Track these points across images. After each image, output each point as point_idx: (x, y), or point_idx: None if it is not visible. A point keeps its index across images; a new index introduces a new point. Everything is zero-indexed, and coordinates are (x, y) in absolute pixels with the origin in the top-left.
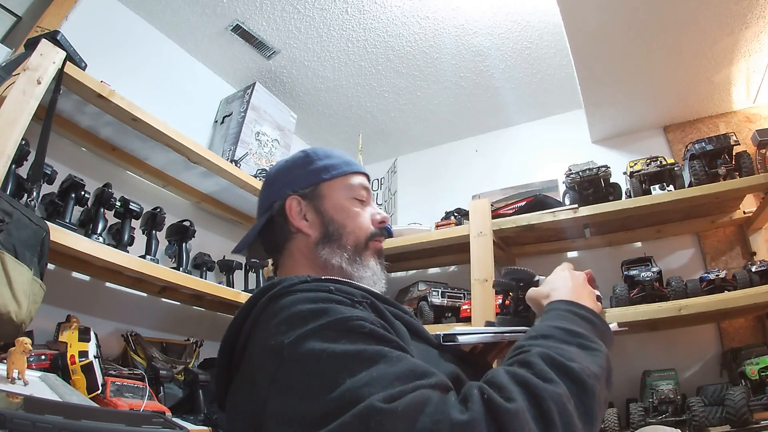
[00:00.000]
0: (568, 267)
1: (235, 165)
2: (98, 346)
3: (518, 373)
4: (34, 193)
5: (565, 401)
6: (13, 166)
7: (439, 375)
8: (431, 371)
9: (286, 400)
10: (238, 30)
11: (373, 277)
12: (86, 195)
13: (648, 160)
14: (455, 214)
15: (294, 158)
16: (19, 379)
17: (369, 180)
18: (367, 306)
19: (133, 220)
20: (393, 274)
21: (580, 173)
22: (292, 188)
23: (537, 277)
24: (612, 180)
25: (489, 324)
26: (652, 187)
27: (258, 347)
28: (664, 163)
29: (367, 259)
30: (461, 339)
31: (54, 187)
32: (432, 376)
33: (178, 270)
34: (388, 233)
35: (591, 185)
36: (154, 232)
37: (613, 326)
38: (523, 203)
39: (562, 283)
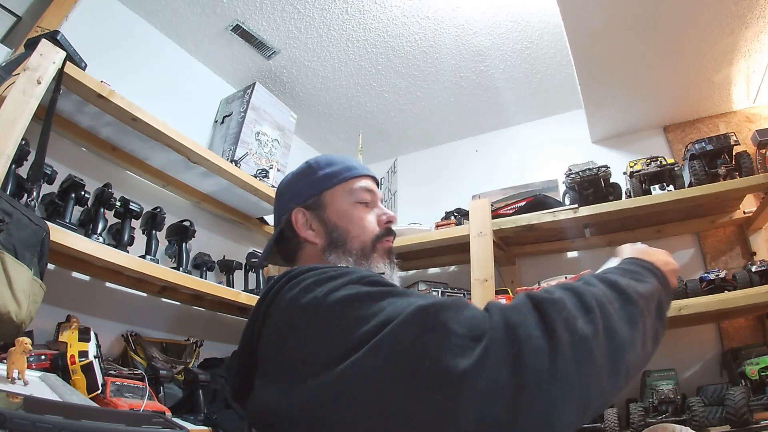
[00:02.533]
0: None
1: (235, 165)
2: (98, 346)
3: (566, 283)
4: (34, 193)
5: (605, 301)
6: (13, 166)
7: None
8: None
9: (329, 344)
10: (238, 30)
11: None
12: (86, 195)
13: (648, 160)
14: (455, 214)
15: (298, 170)
16: (19, 379)
17: (377, 181)
18: None
19: (133, 220)
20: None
21: (580, 173)
22: (296, 201)
23: None
24: (612, 180)
25: None
26: (652, 187)
27: (283, 314)
28: (664, 163)
29: (376, 261)
30: None
31: (54, 187)
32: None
33: (178, 270)
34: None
35: (591, 185)
36: (154, 232)
37: None
38: (523, 203)
39: (634, 248)
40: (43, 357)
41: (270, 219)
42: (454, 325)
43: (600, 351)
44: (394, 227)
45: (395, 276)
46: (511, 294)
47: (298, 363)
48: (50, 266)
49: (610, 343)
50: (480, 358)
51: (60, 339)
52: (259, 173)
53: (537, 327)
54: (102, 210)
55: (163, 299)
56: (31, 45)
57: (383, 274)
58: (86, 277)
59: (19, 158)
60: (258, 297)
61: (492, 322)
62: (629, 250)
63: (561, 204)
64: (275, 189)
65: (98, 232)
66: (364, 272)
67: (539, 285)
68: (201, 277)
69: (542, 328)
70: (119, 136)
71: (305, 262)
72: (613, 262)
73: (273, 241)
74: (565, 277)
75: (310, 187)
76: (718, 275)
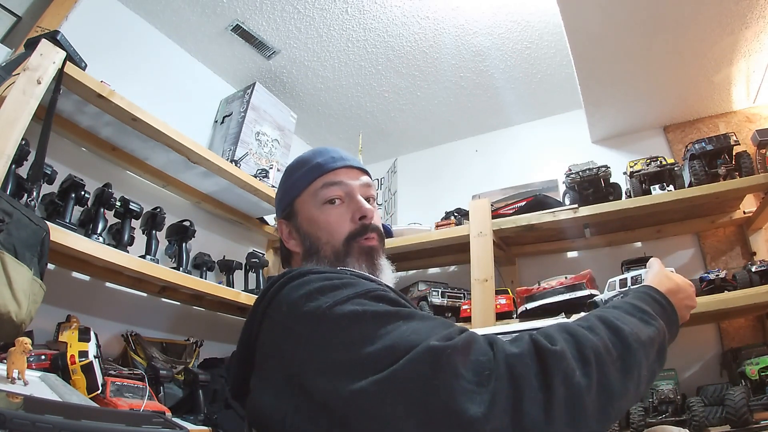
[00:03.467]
0: (658, 263)
1: (235, 165)
2: (98, 346)
3: (569, 325)
4: (34, 193)
5: (603, 351)
6: (13, 166)
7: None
8: (461, 326)
9: (334, 353)
10: (238, 30)
11: None
12: (86, 195)
13: (648, 160)
14: (455, 214)
15: (281, 178)
16: (19, 379)
17: (365, 171)
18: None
19: (133, 220)
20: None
21: (580, 173)
22: (278, 212)
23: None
24: (612, 180)
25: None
26: (652, 187)
27: (283, 317)
28: (664, 163)
29: (350, 265)
30: None
31: (54, 187)
32: (463, 328)
33: (178, 270)
34: (387, 232)
35: (591, 185)
36: (154, 232)
37: None
38: (523, 203)
39: (654, 274)
40: (43, 357)
41: (270, 219)
42: (462, 369)
43: (591, 402)
44: (393, 228)
45: (386, 277)
46: (511, 294)
47: (295, 369)
48: (50, 266)
49: (601, 395)
50: (489, 405)
51: (60, 339)
52: (259, 173)
53: (537, 378)
54: (102, 210)
55: (163, 299)
56: (31, 45)
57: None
58: (86, 277)
59: (19, 158)
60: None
61: (497, 370)
62: (657, 270)
63: (561, 204)
64: (275, 189)
65: (98, 232)
66: (369, 285)
67: (539, 285)
68: (201, 277)
69: (541, 380)
70: (119, 136)
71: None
72: (632, 293)
73: (280, 251)
74: (565, 277)
75: (284, 196)
76: (718, 275)
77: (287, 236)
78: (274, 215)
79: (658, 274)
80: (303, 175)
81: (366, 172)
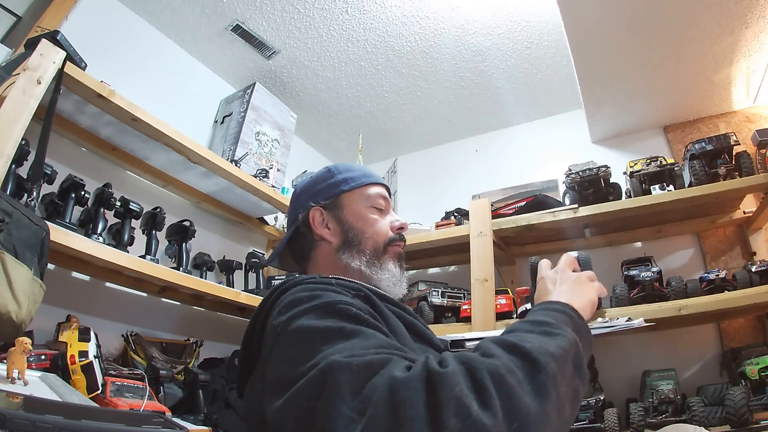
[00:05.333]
0: (567, 263)
1: (235, 165)
2: (98, 346)
3: (465, 353)
4: (34, 193)
5: (504, 372)
6: (13, 166)
7: (411, 354)
8: (403, 348)
9: (277, 370)
10: (238, 30)
11: (392, 279)
12: (86, 195)
13: (648, 160)
14: (455, 214)
15: (317, 174)
16: (19, 379)
17: (389, 191)
18: (362, 298)
19: (133, 220)
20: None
21: (580, 173)
22: (314, 200)
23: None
24: (612, 180)
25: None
26: (652, 187)
27: (267, 330)
28: (664, 163)
29: (386, 263)
30: (470, 345)
31: (54, 187)
32: (401, 350)
33: (178, 270)
34: None
35: (591, 185)
36: (154, 232)
37: (639, 322)
38: (523, 203)
39: (542, 288)
40: (43, 357)
41: (270, 219)
42: (349, 392)
43: None
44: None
45: (402, 279)
46: (511, 294)
47: (267, 382)
48: (50, 266)
49: (512, 424)
50: None
51: (60, 339)
52: (259, 173)
53: (424, 407)
54: (102, 210)
55: (163, 299)
56: (31, 45)
57: (393, 277)
58: (86, 277)
59: (19, 158)
60: (258, 297)
61: (377, 396)
62: (542, 280)
63: (561, 204)
64: (275, 189)
65: (98, 232)
66: (333, 297)
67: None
68: (201, 277)
69: (428, 410)
70: (119, 136)
71: (318, 261)
72: (528, 315)
73: (286, 240)
74: None
75: (328, 188)
76: (718, 275)
77: (320, 224)
78: (291, 206)
79: (545, 283)
80: (357, 177)
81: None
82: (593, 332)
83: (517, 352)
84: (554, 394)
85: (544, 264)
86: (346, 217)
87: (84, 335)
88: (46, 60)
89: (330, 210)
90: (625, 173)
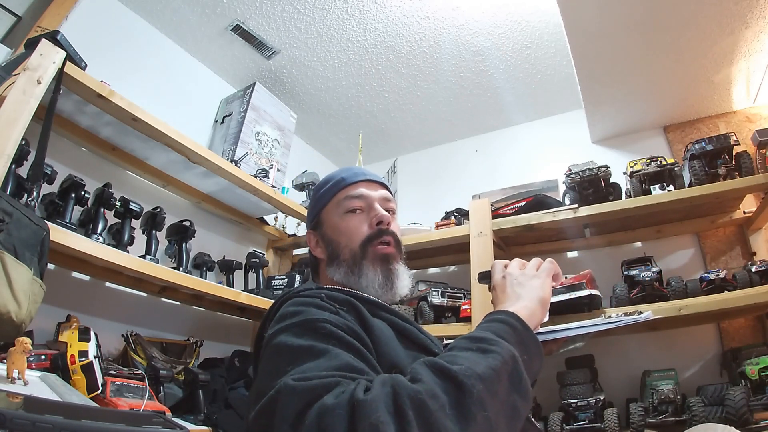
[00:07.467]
0: (519, 264)
1: (235, 165)
2: (98, 346)
3: (392, 377)
4: (34, 193)
5: (425, 398)
6: (13, 166)
7: (372, 375)
8: (365, 370)
9: (257, 381)
10: (238, 30)
11: (374, 284)
12: (86, 195)
13: (648, 160)
14: (455, 214)
15: (311, 195)
16: (19, 379)
17: (382, 185)
18: (349, 310)
19: (133, 220)
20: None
21: (580, 173)
22: (308, 224)
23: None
24: (612, 180)
25: None
26: (652, 187)
27: (264, 338)
28: (664, 163)
29: (365, 269)
30: None
31: (54, 187)
32: (362, 373)
33: (178, 270)
34: None
35: (591, 185)
36: (154, 232)
37: (647, 315)
38: (523, 203)
39: (497, 294)
40: (43, 357)
41: (270, 219)
42: (292, 416)
43: None
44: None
45: (402, 283)
46: None
47: (251, 390)
48: (50, 266)
49: None
50: None
51: (60, 339)
52: (259, 173)
53: None
54: (102, 210)
55: (163, 299)
56: (31, 45)
57: (373, 283)
58: (86, 277)
59: (19, 158)
60: (258, 297)
61: (309, 421)
62: (498, 290)
63: (561, 204)
64: (275, 189)
65: (98, 232)
66: (311, 315)
67: None
68: (201, 277)
69: None
70: (119, 136)
71: (320, 276)
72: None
73: (309, 262)
74: (565, 277)
75: (312, 210)
76: (718, 275)
77: (314, 245)
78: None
79: (495, 293)
80: (328, 189)
81: (386, 187)
82: (587, 330)
83: (443, 375)
84: (480, 417)
85: (497, 268)
86: (326, 233)
87: (84, 335)
88: (46, 60)
89: (317, 230)
90: (625, 173)
